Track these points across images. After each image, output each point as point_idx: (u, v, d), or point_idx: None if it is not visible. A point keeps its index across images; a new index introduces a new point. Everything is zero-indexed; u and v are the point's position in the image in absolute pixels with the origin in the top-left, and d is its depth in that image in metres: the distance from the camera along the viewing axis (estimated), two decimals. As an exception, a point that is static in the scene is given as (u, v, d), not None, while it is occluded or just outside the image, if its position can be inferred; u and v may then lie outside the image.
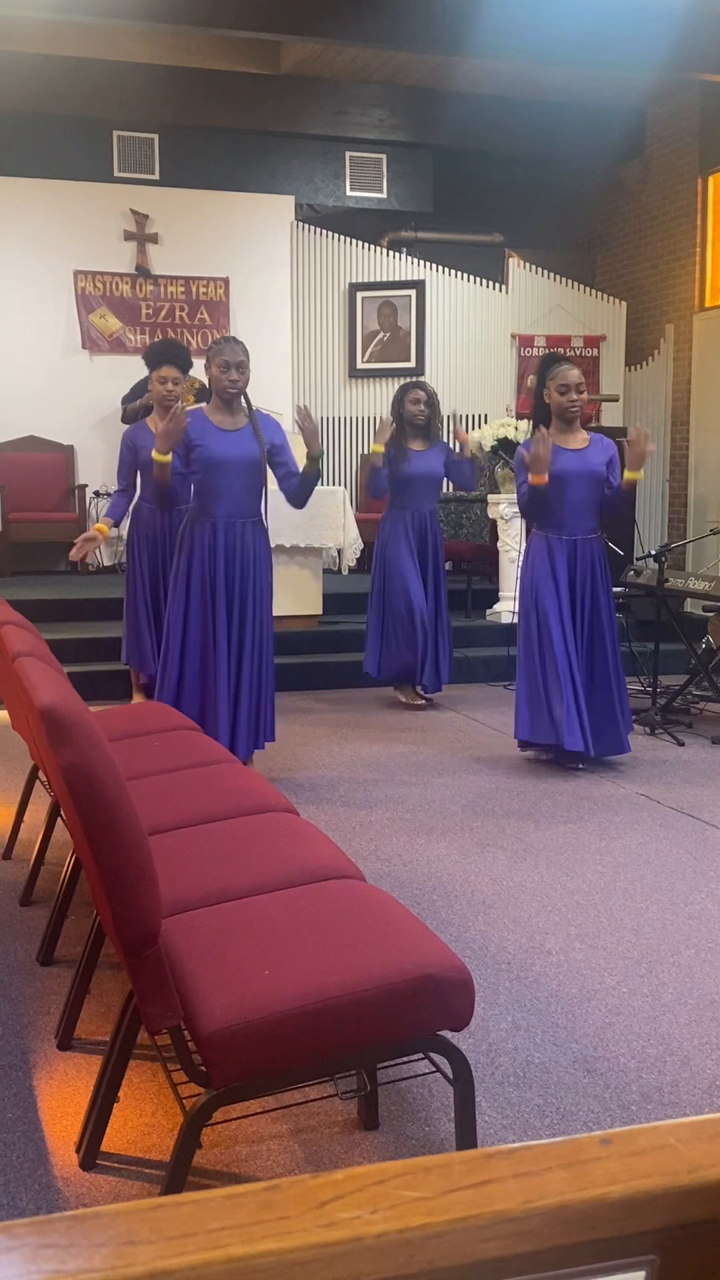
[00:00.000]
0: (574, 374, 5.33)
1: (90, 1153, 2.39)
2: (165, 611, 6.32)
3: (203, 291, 10.33)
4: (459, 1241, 0.57)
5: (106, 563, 9.91)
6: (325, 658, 7.69)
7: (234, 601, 5.04)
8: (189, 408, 5.21)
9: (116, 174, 10.12)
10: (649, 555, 6.67)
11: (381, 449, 6.56)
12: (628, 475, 5.32)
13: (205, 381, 5.23)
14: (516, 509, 7.99)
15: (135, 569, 6.47)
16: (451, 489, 8.16)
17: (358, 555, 9.27)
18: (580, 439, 5.42)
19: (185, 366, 6.36)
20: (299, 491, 5.18)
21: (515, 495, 7.99)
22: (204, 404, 5.18)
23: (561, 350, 10.61)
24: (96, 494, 9.89)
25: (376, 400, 10.69)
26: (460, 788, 5.28)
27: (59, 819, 3.70)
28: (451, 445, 6.90)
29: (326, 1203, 0.58)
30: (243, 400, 5.07)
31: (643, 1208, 0.60)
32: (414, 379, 6.91)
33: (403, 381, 7.08)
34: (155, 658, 6.41)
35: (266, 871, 2.64)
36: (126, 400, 9.45)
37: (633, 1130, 0.65)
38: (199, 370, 9.41)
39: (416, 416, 6.58)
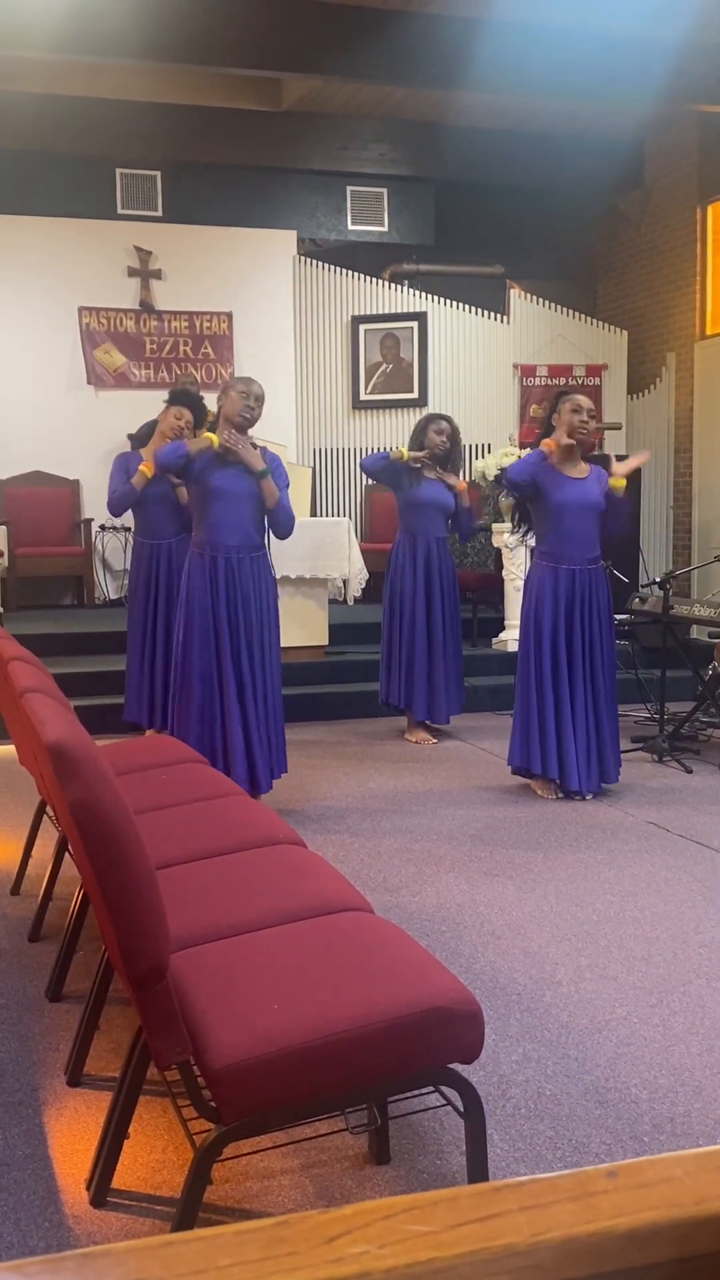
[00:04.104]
0: (584, 399, 5.45)
1: (101, 1190, 2.38)
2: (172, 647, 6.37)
3: (206, 326, 10.40)
4: (467, 1275, 0.57)
5: (113, 596, 9.94)
6: (331, 688, 7.70)
7: (239, 634, 5.06)
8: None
9: (120, 211, 10.20)
10: (654, 582, 6.68)
11: (406, 456, 6.61)
12: (611, 483, 5.39)
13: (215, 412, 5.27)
14: (521, 538, 8.01)
15: (135, 610, 6.51)
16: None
17: (363, 585, 9.29)
18: (582, 469, 5.45)
19: (199, 420, 6.40)
20: (273, 524, 5.16)
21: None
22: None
23: (564, 380, 10.67)
24: (103, 528, 9.92)
25: (380, 432, 10.73)
26: (468, 817, 5.27)
27: (67, 854, 3.70)
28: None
29: (335, 1238, 0.58)
30: (248, 438, 5.10)
31: (650, 1240, 0.60)
32: (437, 412, 6.97)
33: (418, 416, 7.17)
34: (153, 702, 6.45)
35: (274, 905, 2.64)
36: (136, 443, 9.46)
37: (639, 1162, 0.65)
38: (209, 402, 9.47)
39: (438, 447, 6.64)
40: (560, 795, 5.56)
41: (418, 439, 6.71)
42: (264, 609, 5.13)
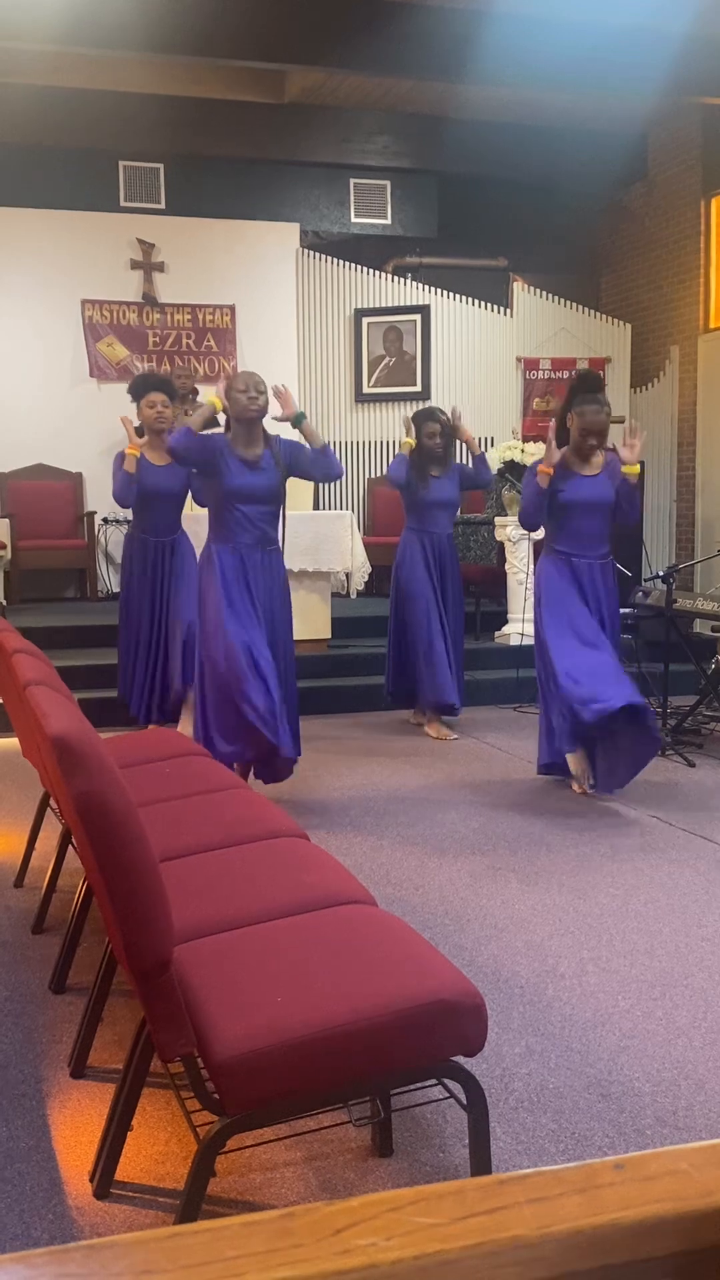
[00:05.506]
0: (600, 419, 5.29)
1: (104, 1181, 2.38)
2: (169, 640, 6.37)
3: (209, 319, 10.38)
4: (473, 1268, 0.57)
5: (115, 589, 9.94)
6: (334, 681, 7.69)
7: (260, 626, 5.12)
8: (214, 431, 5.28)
9: (123, 204, 10.19)
10: (657, 576, 6.67)
11: (413, 442, 6.66)
12: (625, 470, 5.34)
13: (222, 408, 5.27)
14: (523, 532, 8.01)
15: (131, 604, 6.51)
16: (460, 513, 8.18)
17: (366, 579, 9.29)
18: (595, 465, 5.40)
19: (171, 395, 6.42)
20: (318, 466, 5.26)
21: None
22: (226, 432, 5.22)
23: (567, 374, 10.64)
24: (105, 521, 9.92)
25: (383, 425, 10.72)
26: (471, 811, 5.27)
27: (70, 846, 3.70)
28: (463, 461, 6.93)
29: (341, 1230, 0.58)
30: (261, 428, 5.14)
31: (656, 1233, 0.60)
32: (428, 407, 6.94)
33: (418, 408, 7.09)
34: (148, 694, 6.46)
35: (278, 897, 2.64)
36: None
37: (645, 1155, 0.65)
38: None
39: (435, 448, 6.66)
40: (591, 788, 5.50)
41: (413, 426, 6.77)
42: (280, 603, 5.24)
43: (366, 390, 10.75)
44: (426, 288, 10.74)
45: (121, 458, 6.33)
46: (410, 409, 10.48)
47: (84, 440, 9.98)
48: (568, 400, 5.42)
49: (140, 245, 10.17)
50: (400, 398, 10.63)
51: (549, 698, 5.43)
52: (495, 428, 10.56)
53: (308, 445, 5.25)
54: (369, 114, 10.27)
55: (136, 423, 6.50)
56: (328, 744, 6.64)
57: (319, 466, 5.28)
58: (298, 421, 5.22)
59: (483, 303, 10.77)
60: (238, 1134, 2.08)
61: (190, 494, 6.33)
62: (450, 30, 7.50)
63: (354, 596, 9.48)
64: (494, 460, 8.27)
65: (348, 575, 9.32)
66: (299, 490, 8.02)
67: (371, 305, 10.69)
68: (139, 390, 6.43)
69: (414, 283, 10.81)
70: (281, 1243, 0.57)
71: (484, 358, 10.78)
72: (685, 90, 8.08)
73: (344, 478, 10.66)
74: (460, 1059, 2.18)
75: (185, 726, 6.18)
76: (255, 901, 2.63)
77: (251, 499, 5.09)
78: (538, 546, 5.90)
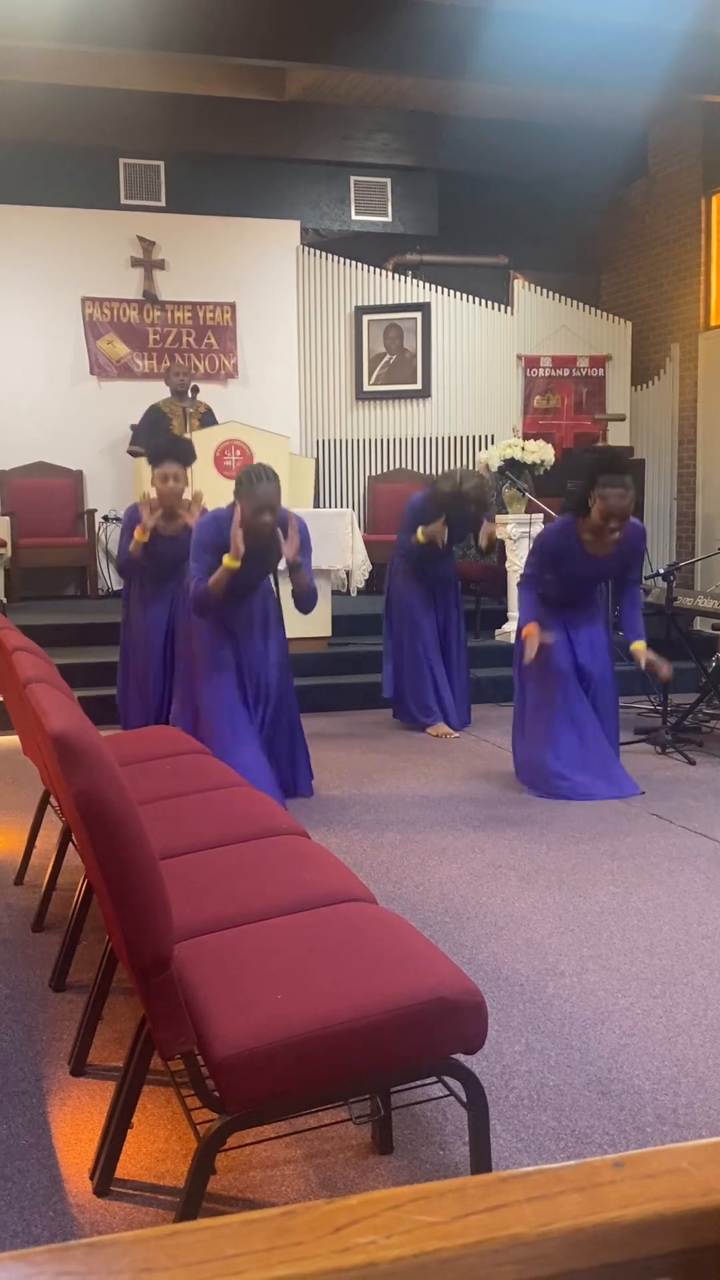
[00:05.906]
0: (624, 504, 5.10)
1: (104, 1179, 2.39)
2: (172, 677, 6.35)
3: (210, 316, 10.38)
4: (473, 1266, 0.57)
5: (115, 587, 9.94)
6: (335, 679, 7.69)
7: (254, 657, 5.19)
8: (212, 510, 5.20)
9: (123, 201, 10.18)
10: (657, 574, 6.66)
11: (423, 537, 6.53)
12: (633, 648, 5.30)
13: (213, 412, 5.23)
14: (524, 529, 8.02)
15: (132, 635, 6.44)
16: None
17: (366, 577, 9.27)
18: (610, 543, 5.24)
19: (186, 461, 6.23)
20: (293, 591, 5.13)
21: (520, 516, 8.04)
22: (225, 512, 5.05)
23: (568, 371, 10.64)
24: (105, 519, 9.92)
25: (383, 423, 10.72)
26: (471, 809, 5.27)
27: (70, 844, 3.70)
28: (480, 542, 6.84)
29: (341, 1228, 0.58)
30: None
31: (656, 1231, 0.60)
32: (464, 489, 6.40)
33: (465, 486, 6.43)
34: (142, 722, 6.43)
35: (278, 895, 2.64)
36: (136, 439, 9.33)
37: (645, 1153, 0.65)
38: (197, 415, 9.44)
39: (439, 538, 6.54)
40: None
41: (440, 503, 6.48)
42: (273, 635, 5.27)
43: (367, 388, 10.74)
44: (427, 285, 10.73)
45: (134, 517, 6.13)
46: (411, 407, 10.58)
47: (84, 438, 9.98)
48: (591, 478, 5.18)
49: (141, 243, 10.17)
50: (401, 396, 10.63)
51: (523, 723, 5.59)
52: (496, 425, 10.56)
53: (295, 576, 5.04)
54: (369, 111, 10.27)
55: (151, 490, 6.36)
56: (327, 741, 6.64)
57: (293, 592, 5.12)
58: (296, 568, 5.00)
59: (483, 300, 10.77)
60: (238, 1131, 2.08)
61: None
62: (451, 27, 7.49)
63: (354, 594, 9.48)
64: (494, 458, 8.28)
65: (348, 573, 9.31)
66: (300, 489, 8.01)
67: (372, 303, 10.69)
68: (156, 457, 6.30)
69: (414, 280, 10.80)
70: (281, 1240, 0.57)
71: (484, 355, 10.78)
72: (686, 88, 8.08)
73: (345, 475, 10.70)
74: (460, 1057, 2.18)
75: None
76: (255, 899, 2.63)
77: (248, 577, 5.08)
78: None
